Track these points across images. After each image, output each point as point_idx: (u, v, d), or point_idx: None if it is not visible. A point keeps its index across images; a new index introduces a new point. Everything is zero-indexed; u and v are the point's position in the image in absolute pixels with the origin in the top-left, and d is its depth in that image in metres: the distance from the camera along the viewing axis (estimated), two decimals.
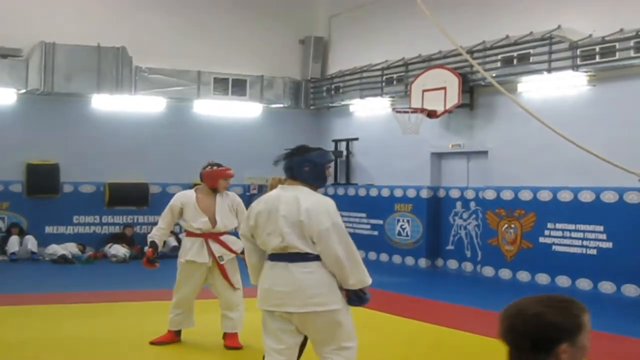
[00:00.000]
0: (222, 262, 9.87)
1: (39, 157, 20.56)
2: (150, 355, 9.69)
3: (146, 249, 10.33)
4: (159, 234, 10.07)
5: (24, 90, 20.22)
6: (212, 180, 9.98)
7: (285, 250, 6.23)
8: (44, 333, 10.84)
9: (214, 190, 10.00)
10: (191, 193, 10.08)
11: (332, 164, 6.67)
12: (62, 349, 9.85)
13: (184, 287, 10.01)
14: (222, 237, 9.98)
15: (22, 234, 19.98)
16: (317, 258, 6.19)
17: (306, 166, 6.38)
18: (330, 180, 22.15)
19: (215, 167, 10.12)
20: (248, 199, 22.57)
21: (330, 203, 6.32)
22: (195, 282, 9.97)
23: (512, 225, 17.34)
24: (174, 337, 10.17)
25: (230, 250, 9.89)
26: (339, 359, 6.25)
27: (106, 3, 21.63)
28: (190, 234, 10.00)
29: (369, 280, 6.32)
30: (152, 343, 10.04)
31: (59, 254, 19.52)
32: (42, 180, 20.56)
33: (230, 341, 10.00)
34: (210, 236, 9.89)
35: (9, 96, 20.35)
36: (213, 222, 9.87)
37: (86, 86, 20.67)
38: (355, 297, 6.27)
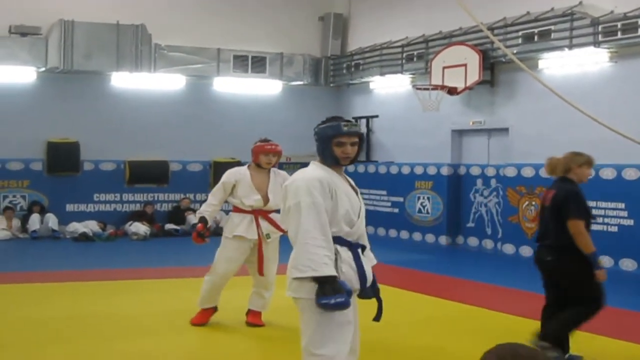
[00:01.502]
0: (268, 240, 9.78)
1: (59, 135, 20.60)
2: (172, 332, 9.71)
3: (190, 223, 10.25)
4: (210, 210, 9.90)
5: (43, 69, 20.25)
6: (255, 155, 9.85)
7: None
8: (65, 310, 10.89)
9: (258, 166, 9.87)
10: (245, 170, 9.91)
11: (357, 138, 5.67)
12: (84, 326, 9.88)
13: (227, 263, 9.86)
14: (270, 215, 9.89)
15: (43, 212, 20.05)
16: None
17: (316, 140, 5.82)
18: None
19: (258, 143, 9.97)
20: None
21: (305, 180, 5.57)
22: (239, 258, 9.85)
23: (533, 203, 17.27)
24: (212, 314, 10.11)
25: (278, 229, 9.77)
26: None
27: None
28: (239, 210, 9.83)
29: (298, 274, 5.39)
30: (193, 324, 9.93)
31: (80, 232, 19.58)
32: (62, 158, 20.61)
33: (254, 318, 9.99)
34: (261, 213, 9.78)
35: (29, 74, 20.38)
36: (265, 199, 9.76)
37: (106, 64, 20.69)
38: (320, 294, 5.33)
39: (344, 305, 5.30)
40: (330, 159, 5.70)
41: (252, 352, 9.17)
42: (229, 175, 9.87)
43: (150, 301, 11.69)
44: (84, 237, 19.43)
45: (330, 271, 5.32)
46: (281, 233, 9.77)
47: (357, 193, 5.85)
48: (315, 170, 5.69)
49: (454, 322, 10.70)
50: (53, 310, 10.85)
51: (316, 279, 5.31)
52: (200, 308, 10.06)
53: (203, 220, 9.83)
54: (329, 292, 5.26)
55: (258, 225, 9.73)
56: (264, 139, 10.07)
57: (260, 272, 9.83)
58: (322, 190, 5.50)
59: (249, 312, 10.07)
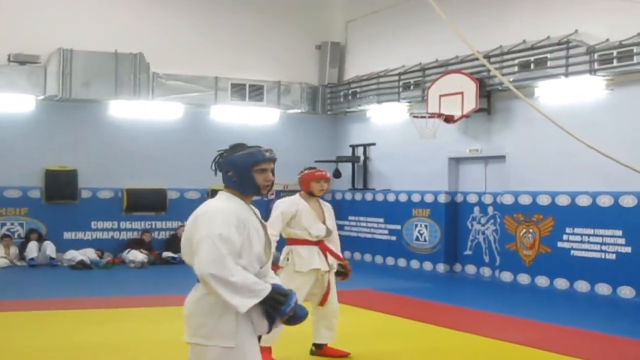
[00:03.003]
0: (333, 270, 9.65)
1: (58, 163, 20.63)
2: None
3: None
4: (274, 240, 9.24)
5: (42, 97, 20.31)
6: (305, 183, 9.59)
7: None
8: (62, 339, 10.87)
9: (311, 195, 9.66)
10: (299, 199, 9.58)
11: (273, 164, 5.48)
12: (81, 355, 9.87)
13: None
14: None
15: (40, 239, 20.05)
16: None
17: (228, 170, 5.37)
18: (347, 185, 22.45)
19: (307, 171, 9.74)
20: (265, 205, 22.61)
21: (225, 211, 5.19)
22: (306, 291, 9.43)
23: (531, 230, 17.29)
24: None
25: (338, 258, 9.72)
26: None
27: (123, 9, 21.68)
28: (303, 242, 9.49)
29: (257, 299, 5.04)
30: None
31: (77, 260, 19.56)
32: (60, 186, 20.62)
33: (334, 351, 9.77)
34: (322, 243, 9.58)
35: (28, 103, 20.42)
36: (327, 229, 9.61)
37: (104, 92, 20.75)
38: (274, 312, 5.13)
39: (300, 308, 5.23)
40: (251, 188, 5.35)
41: None
42: (287, 205, 9.47)
43: (147, 329, 11.66)
44: (81, 265, 19.39)
45: (267, 287, 5.13)
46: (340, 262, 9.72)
47: (264, 227, 5.48)
48: (230, 202, 5.31)
49: (453, 350, 10.68)
50: (51, 339, 10.83)
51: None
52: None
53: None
54: (281, 299, 5.13)
55: (326, 256, 9.54)
56: (310, 167, 9.88)
57: (324, 302, 9.59)
58: (238, 225, 5.15)
59: (324, 347, 9.75)
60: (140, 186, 21.49)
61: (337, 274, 9.82)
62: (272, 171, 5.45)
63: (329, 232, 9.61)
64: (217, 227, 5.01)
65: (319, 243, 9.52)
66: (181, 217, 21.40)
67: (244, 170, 5.32)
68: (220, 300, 5.01)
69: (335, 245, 9.81)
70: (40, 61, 20.24)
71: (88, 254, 20.03)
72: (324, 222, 9.58)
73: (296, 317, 5.19)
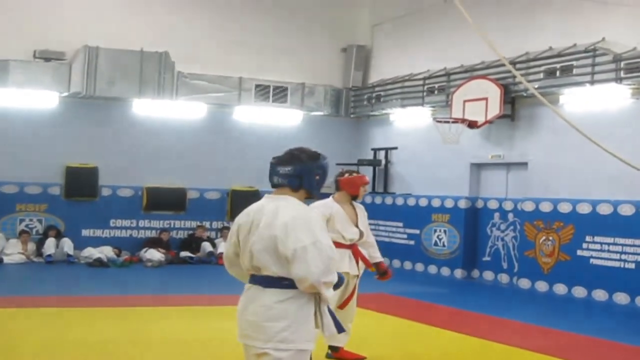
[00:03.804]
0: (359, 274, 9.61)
1: (79, 160, 20.67)
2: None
3: None
4: None
5: (66, 94, 20.36)
6: (354, 187, 9.51)
7: (259, 272, 5.34)
8: (77, 335, 10.85)
9: (353, 198, 9.62)
10: (332, 202, 9.50)
11: None
12: (95, 352, 9.85)
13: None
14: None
15: (59, 236, 20.04)
16: (293, 284, 5.21)
17: (317, 174, 5.49)
18: (377, 188, 22.40)
19: (354, 174, 9.68)
20: None
21: (315, 217, 5.40)
22: (337, 295, 9.24)
23: (550, 238, 17.19)
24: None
25: (366, 262, 9.65)
26: None
27: (150, 8, 21.73)
28: (336, 244, 9.25)
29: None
30: None
31: (95, 257, 19.56)
32: (80, 183, 20.66)
33: (349, 354, 9.72)
34: (354, 246, 9.54)
35: (52, 99, 20.47)
36: (360, 232, 9.56)
37: (128, 90, 20.78)
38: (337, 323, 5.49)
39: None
40: (319, 190, 5.57)
41: None
42: (322, 209, 9.28)
43: (162, 328, 11.64)
44: (98, 263, 19.39)
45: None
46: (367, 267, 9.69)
47: None
48: (306, 207, 5.46)
49: (469, 357, 10.62)
50: (67, 336, 10.82)
51: None
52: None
53: None
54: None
55: (357, 260, 9.49)
56: (351, 171, 9.83)
57: (344, 306, 9.47)
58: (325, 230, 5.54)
59: (341, 350, 9.68)
60: (161, 185, 21.50)
61: (378, 274, 9.87)
62: None
63: (362, 235, 9.57)
64: (318, 234, 5.21)
65: (351, 246, 9.47)
66: (200, 217, 21.50)
67: (326, 176, 5.56)
68: (305, 305, 5.28)
69: (370, 247, 9.81)
70: (65, 58, 20.28)
71: (105, 252, 20.03)
72: (356, 225, 9.52)
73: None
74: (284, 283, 5.23)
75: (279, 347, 5.18)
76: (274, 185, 5.52)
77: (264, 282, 5.29)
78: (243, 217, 5.47)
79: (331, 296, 5.29)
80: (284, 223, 5.20)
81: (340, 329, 5.48)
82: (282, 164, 5.50)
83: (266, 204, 5.42)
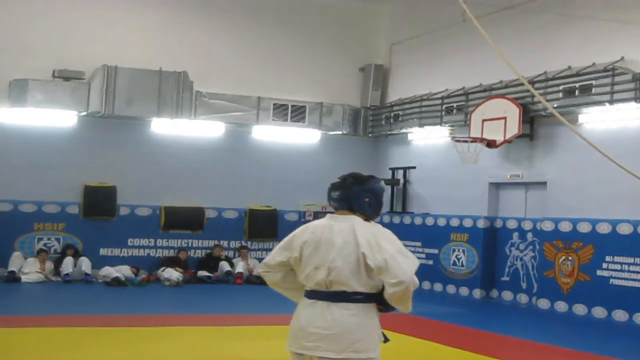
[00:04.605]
0: None
1: (97, 179, 20.70)
2: None
3: None
4: None
5: (84, 113, 20.41)
6: (378, 211, 9.60)
7: (329, 287, 5.68)
8: (96, 356, 10.82)
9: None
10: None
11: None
12: None
13: None
14: None
15: (76, 255, 20.06)
16: (363, 299, 5.64)
17: (366, 197, 5.88)
18: (385, 208, 22.26)
19: None
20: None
21: (389, 231, 5.80)
22: None
23: (570, 258, 17.08)
24: None
25: None
26: None
27: (168, 28, 21.80)
28: None
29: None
30: None
31: (113, 277, 19.54)
32: (99, 202, 20.68)
33: None
34: None
35: (70, 118, 20.54)
36: None
37: (147, 110, 20.83)
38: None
39: None
40: (378, 212, 5.98)
41: None
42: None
43: (181, 348, 11.61)
44: (116, 282, 19.38)
45: None
46: None
47: None
48: (381, 226, 5.88)
49: None
50: (86, 355, 10.80)
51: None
52: None
53: None
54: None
55: None
56: None
57: None
58: None
59: None
60: (179, 204, 21.51)
61: None
62: None
63: None
64: (400, 244, 5.70)
65: None
66: (218, 237, 21.49)
67: (380, 197, 5.99)
68: (372, 317, 5.72)
69: None
70: (84, 77, 20.35)
71: (123, 271, 20.01)
72: None
73: None
74: (356, 297, 5.64)
75: (352, 357, 5.59)
76: (333, 207, 5.98)
77: (334, 297, 5.67)
78: (307, 234, 5.87)
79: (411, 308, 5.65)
80: (367, 240, 5.64)
81: (386, 338, 5.80)
82: (334, 189, 5.96)
83: (334, 224, 5.83)
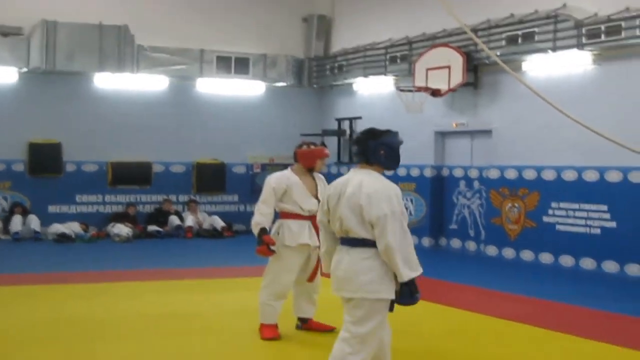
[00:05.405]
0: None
1: (42, 136, 20.50)
2: (157, 335, 9.63)
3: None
4: (267, 219, 9.31)
5: (25, 69, 20.16)
6: (310, 160, 9.52)
7: (347, 235, 6.39)
8: (46, 313, 10.78)
9: (310, 171, 9.61)
10: (290, 174, 9.51)
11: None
12: (66, 329, 9.80)
13: (289, 274, 9.42)
14: None
15: (25, 213, 19.93)
16: (375, 245, 6.26)
17: (382, 150, 6.47)
18: (332, 158, 22.35)
19: (312, 147, 9.64)
20: (251, 179, 22.59)
21: (394, 190, 6.35)
22: (300, 267, 9.45)
23: (516, 205, 17.29)
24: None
25: None
26: (347, 349, 6.35)
27: None
28: (296, 216, 9.41)
29: (417, 272, 6.29)
30: (267, 338, 9.31)
31: (59, 233, 19.46)
32: (44, 159, 20.51)
33: (319, 325, 9.74)
34: (314, 218, 9.17)
35: (11, 75, 20.28)
36: (318, 203, 9.29)
37: (88, 65, 20.61)
38: (407, 293, 6.28)
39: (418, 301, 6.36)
40: (395, 164, 6.59)
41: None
42: (278, 181, 9.42)
43: (133, 303, 11.61)
44: (63, 238, 19.32)
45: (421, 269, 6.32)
46: None
47: None
48: (385, 179, 6.42)
49: (435, 323, 10.65)
50: (35, 313, 10.76)
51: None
52: (263, 323, 9.49)
53: (266, 231, 9.25)
54: (415, 290, 6.30)
55: (317, 231, 9.49)
56: (311, 142, 9.78)
57: (313, 278, 9.57)
58: (401, 199, 6.40)
59: (309, 321, 9.75)
60: (125, 159, 21.38)
61: None
62: None
63: None
64: (396, 206, 6.25)
65: (311, 218, 9.42)
66: (166, 191, 21.43)
67: (396, 150, 6.57)
68: (385, 263, 6.25)
69: None
70: (23, 33, 20.07)
71: (73, 228, 19.93)
72: (316, 196, 9.50)
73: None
74: (368, 243, 6.29)
75: (365, 297, 6.26)
76: (355, 162, 6.71)
77: (351, 243, 6.37)
78: (332, 189, 6.56)
79: (405, 277, 6.22)
80: (367, 194, 6.25)
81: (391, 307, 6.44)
82: (353, 143, 6.85)
83: (352, 177, 6.48)
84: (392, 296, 6.33)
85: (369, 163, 6.49)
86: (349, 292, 6.33)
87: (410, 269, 6.21)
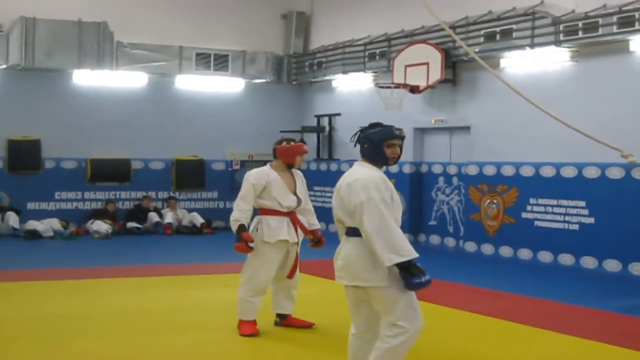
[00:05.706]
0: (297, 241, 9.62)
1: (20, 133, 20.44)
2: (134, 333, 9.64)
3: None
4: (246, 215, 9.33)
5: (4, 66, 20.09)
6: (290, 156, 9.54)
7: (345, 224, 6.54)
8: (25, 310, 10.78)
9: (289, 167, 9.64)
10: (269, 170, 9.53)
11: (401, 141, 6.78)
12: (45, 326, 9.79)
13: (268, 270, 9.44)
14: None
15: (3, 210, 19.88)
16: None
17: (364, 143, 6.61)
18: (311, 155, 22.37)
19: (292, 143, 9.65)
20: (230, 175, 22.59)
21: (375, 179, 6.38)
22: (279, 263, 9.48)
23: (495, 201, 17.37)
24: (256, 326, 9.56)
25: (304, 230, 9.63)
26: (388, 333, 6.39)
27: None
28: (274, 212, 9.42)
29: (406, 257, 6.18)
30: (245, 334, 9.30)
31: (26, 230, 19.45)
32: (23, 156, 20.45)
33: (298, 321, 9.81)
34: (293, 214, 9.54)
35: None
36: (298, 200, 9.56)
37: (67, 61, 20.56)
38: (408, 277, 6.20)
39: (430, 283, 6.31)
40: (380, 160, 6.53)
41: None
42: (257, 177, 9.43)
43: (113, 300, 11.61)
44: (30, 235, 19.29)
45: (415, 254, 6.25)
46: (304, 235, 9.70)
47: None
48: (372, 170, 6.49)
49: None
50: (13, 310, 10.75)
51: (402, 263, 6.16)
52: (242, 319, 9.48)
53: (244, 228, 9.28)
54: (417, 273, 6.21)
55: (296, 227, 9.50)
56: (290, 139, 9.80)
57: (292, 275, 9.61)
58: (385, 188, 6.37)
59: (288, 317, 9.79)
60: (104, 156, 21.35)
61: (312, 241, 9.85)
62: (400, 147, 6.66)
63: (299, 203, 9.60)
64: (373, 194, 6.26)
65: (290, 214, 9.49)
66: (145, 188, 21.43)
67: (377, 144, 6.54)
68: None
69: (308, 214, 9.83)
70: (2, 30, 20.00)
71: (52, 224, 19.89)
72: (294, 193, 9.55)
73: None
74: (359, 232, 6.36)
75: (360, 285, 6.40)
76: None
77: (349, 233, 6.52)
78: (339, 181, 6.66)
79: (387, 261, 6.17)
80: (347, 184, 6.44)
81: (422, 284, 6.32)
82: (354, 134, 6.76)
83: (349, 170, 6.68)
84: (384, 283, 6.28)
85: (362, 156, 6.65)
86: (347, 280, 6.50)
87: (397, 254, 6.13)
